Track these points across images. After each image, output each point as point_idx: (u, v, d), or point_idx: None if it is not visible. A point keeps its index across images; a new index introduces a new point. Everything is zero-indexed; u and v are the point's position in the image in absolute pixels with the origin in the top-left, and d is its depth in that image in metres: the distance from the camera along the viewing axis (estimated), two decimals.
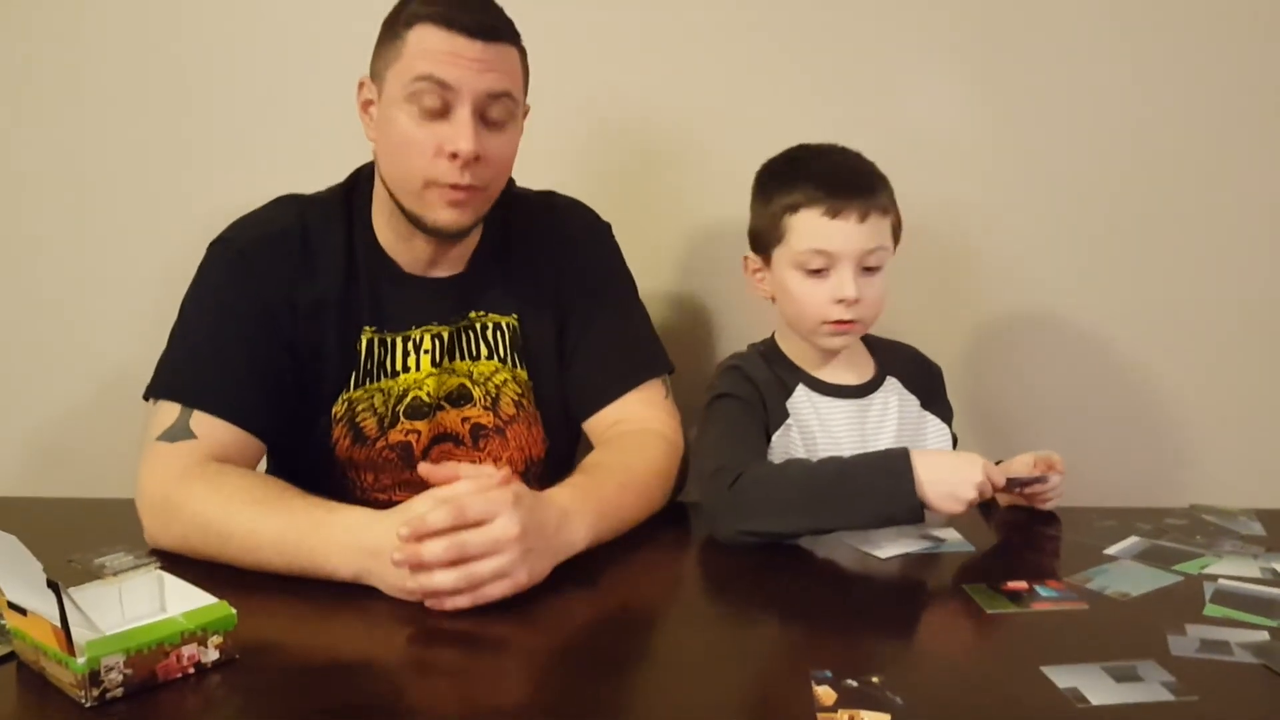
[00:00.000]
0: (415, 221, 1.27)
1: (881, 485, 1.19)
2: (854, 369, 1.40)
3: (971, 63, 1.66)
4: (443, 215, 1.25)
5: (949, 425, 1.44)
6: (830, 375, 1.39)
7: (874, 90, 1.67)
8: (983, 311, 1.73)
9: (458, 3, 1.22)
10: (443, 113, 1.21)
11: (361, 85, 1.30)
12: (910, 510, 1.18)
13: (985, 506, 1.32)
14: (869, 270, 1.32)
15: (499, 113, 1.24)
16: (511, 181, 1.36)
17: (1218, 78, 1.64)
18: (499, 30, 1.24)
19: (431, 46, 1.21)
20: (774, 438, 1.35)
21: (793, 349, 1.41)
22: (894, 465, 1.19)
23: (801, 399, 1.37)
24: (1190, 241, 1.69)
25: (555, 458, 1.43)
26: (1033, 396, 1.74)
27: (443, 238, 1.29)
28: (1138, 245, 1.69)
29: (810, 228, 1.31)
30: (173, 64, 1.71)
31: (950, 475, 1.19)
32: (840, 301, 1.31)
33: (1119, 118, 1.66)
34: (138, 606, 1.00)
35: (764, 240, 1.37)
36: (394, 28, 1.25)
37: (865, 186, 1.33)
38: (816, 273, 1.32)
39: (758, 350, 1.43)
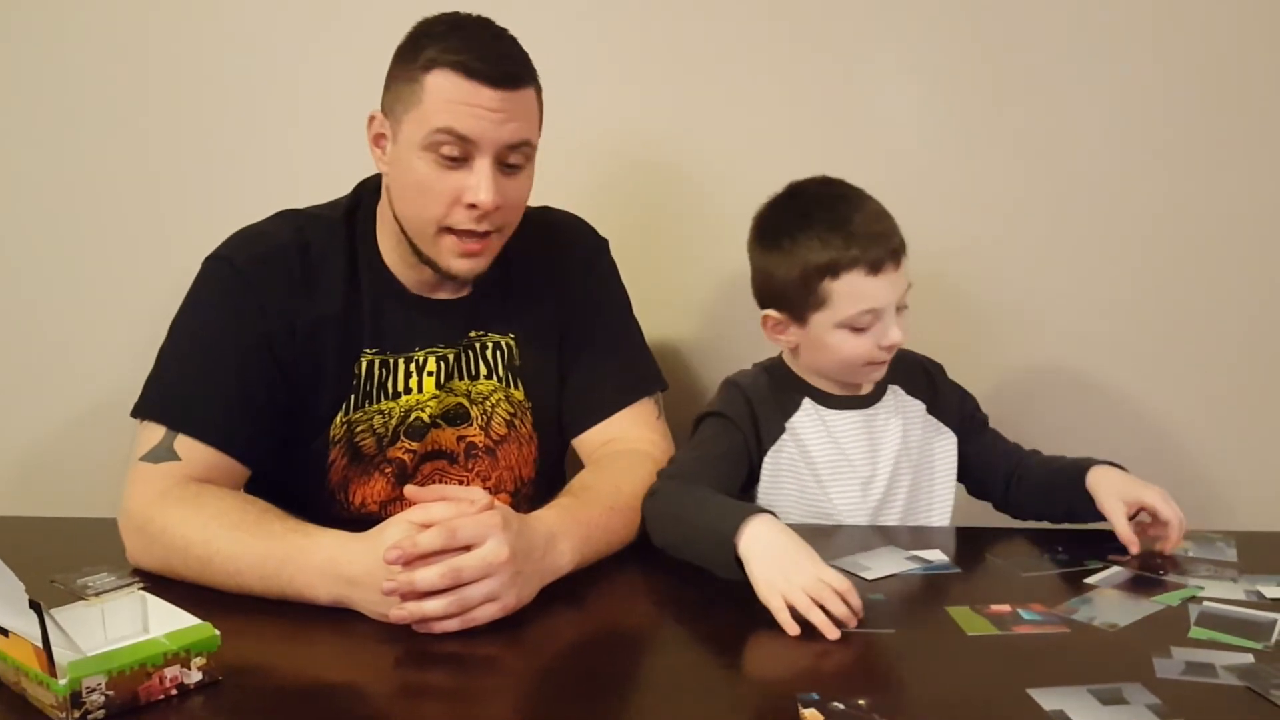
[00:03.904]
0: (431, 265, 1.27)
1: (712, 546, 1.15)
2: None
3: (962, 89, 1.68)
4: (458, 264, 1.26)
5: (973, 410, 1.46)
6: (836, 388, 1.40)
7: (867, 110, 1.69)
8: (955, 333, 1.72)
9: (476, 47, 1.20)
10: (462, 161, 1.21)
11: (373, 119, 1.27)
12: (731, 571, 1.13)
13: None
14: (900, 308, 1.33)
15: (517, 159, 1.24)
16: None
17: (1223, 90, 1.66)
18: (519, 76, 1.22)
19: (451, 97, 1.19)
20: (767, 456, 1.36)
21: (801, 368, 1.41)
22: (725, 526, 1.13)
23: (808, 413, 1.38)
24: (1160, 259, 1.71)
25: (546, 478, 1.42)
26: (1010, 423, 1.74)
27: (461, 283, 1.29)
28: (1109, 268, 1.71)
29: (856, 290, 1.29)
30: (167, 75, 1.71)
31: (770, 569, 1.09)
32: (887, 346, 1.31)
33: (1108, 141, 1.68)
34: (120, 627, 1.00)
35: (794, 301, 1.33)
36: (409, 68, 1.22)
37: (889, 229, 1.31)
38: (863, 327, 1.31)
39: (762, 368, 1.43)
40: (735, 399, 1.37)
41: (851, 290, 1.29)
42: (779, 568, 1.09)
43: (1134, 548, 1.26)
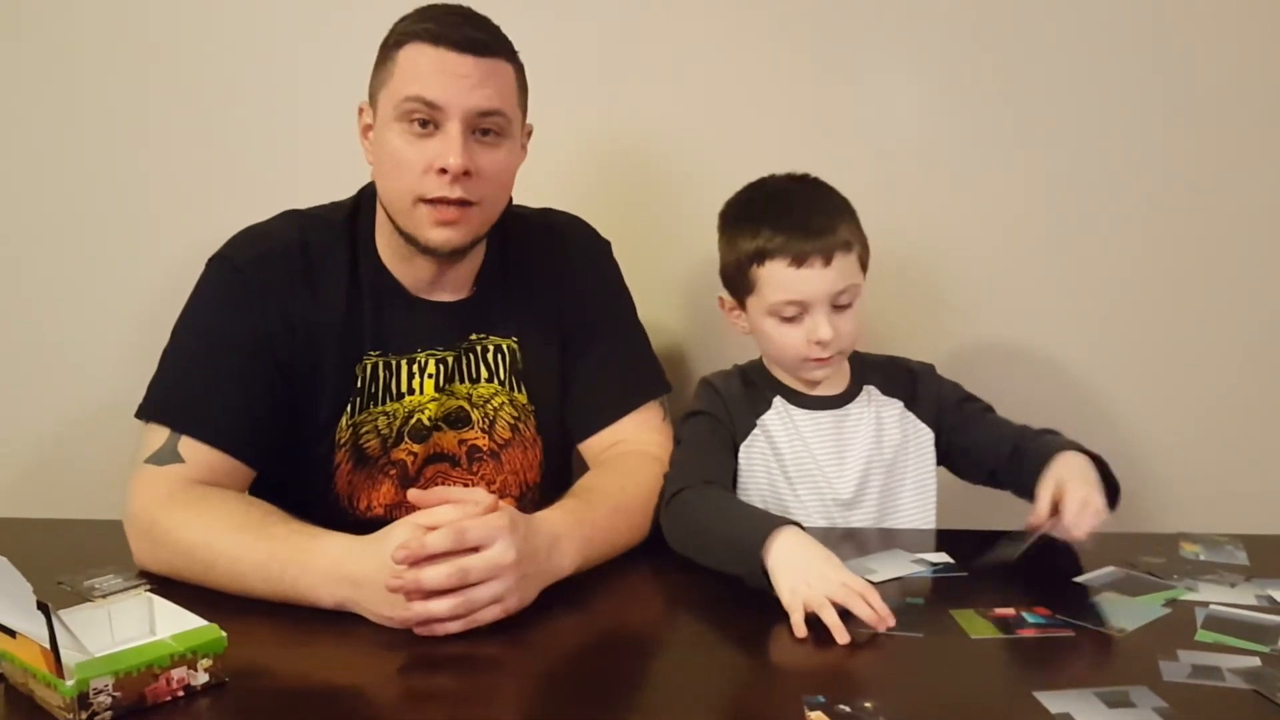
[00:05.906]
0: (412, 241, 1.27)
1: (738, 550, 1.16)
2: (832, 381, 1.42)
3: (958, 83, 1.68)
4: (434, 234, 1.24)
5: (960, 400, 1.43)
6: (805, 386, 1.41)
7: (866, 107, 1.69)
8: (954, 332, 1.73)
9: (446, 19, 1.23)
10: (434, 130, 1.22)
11: (361, 111, 1.30)
12: (757, 580, 1.14)
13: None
14: (840, 308, 1.34)
15: (490, 127, 1.24)
16: (509, 200, 1.36)
17: (1209, 87, 1.66)
18: (489, 45, 1.23)
19: (420, 65, 1.21)
20: (741, 450, 1.38)
21: (777, 368, 1.43)
22: (753, 537, 1.14)
23: (778, 412, 1.40)
24: (1166, 258, 1.70)
25: (550, 482, 1.42)
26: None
27: (440, 257, 1.28)
28: (1114, 265, 1.71)
29: (778, 279, 1.32)
30: (168, 74, 1.71)
31: (794, 577, 1.10)
32: (817, 343, 1.33)
33: (1094, 133, 1.68)
34: (127, 629, 1.00)
35: (735, 286, 1.39)
36: (386, 49, 1.26)
37: (826, 228, 1.32)
38: (791, 318, 1.33)
39: (739, 369, 1.46)
40: (711, 396, 1.41)
41: (774, 279, 1.33)
42: (803, 577, 1.10)
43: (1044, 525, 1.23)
